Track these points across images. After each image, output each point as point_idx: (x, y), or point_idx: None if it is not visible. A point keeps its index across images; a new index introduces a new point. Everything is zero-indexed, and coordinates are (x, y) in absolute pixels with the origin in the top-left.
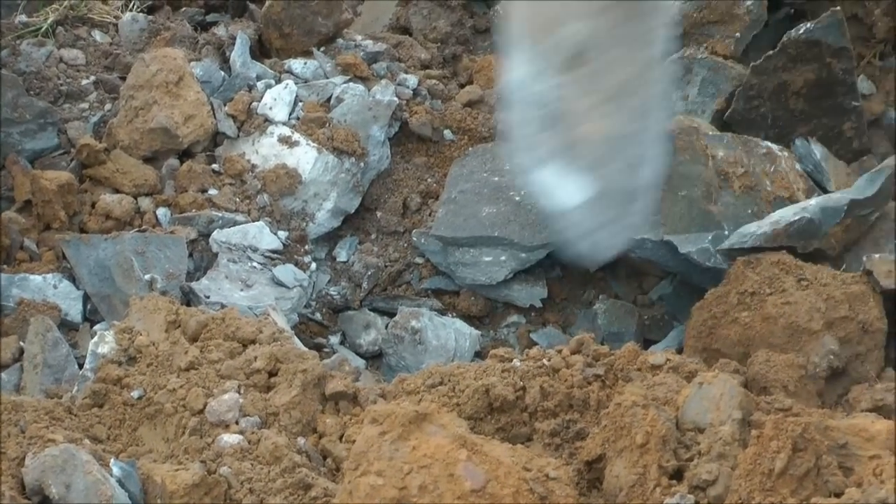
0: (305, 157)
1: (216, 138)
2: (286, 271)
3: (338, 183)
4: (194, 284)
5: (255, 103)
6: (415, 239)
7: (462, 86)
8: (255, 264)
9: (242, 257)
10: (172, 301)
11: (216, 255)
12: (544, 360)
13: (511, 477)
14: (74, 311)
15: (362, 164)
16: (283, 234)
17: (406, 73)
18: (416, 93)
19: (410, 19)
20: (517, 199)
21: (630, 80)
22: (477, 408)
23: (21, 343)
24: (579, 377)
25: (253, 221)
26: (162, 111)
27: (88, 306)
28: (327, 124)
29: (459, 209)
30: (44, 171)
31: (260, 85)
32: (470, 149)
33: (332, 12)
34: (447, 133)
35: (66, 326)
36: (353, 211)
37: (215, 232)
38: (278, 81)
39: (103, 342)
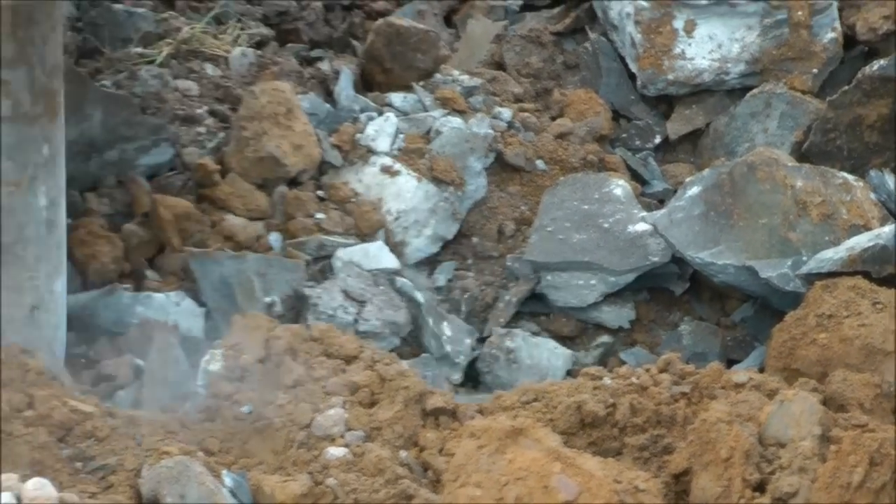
0: (406, 186)
1: (321, 167)
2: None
3: (437, 211)
4: (308, 290)
5: (358, 134)
6: (509, 264)
7: (553, 118)
8: (371, 282)
9: (362, 274)
10: (271, 319)
11: (333, 274)
12: (633, 379)
13: (603, 489)
14: (196, 327)
15: (460, 193)
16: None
17: (500, 106)
18: (510, 125)
19: (504, 55)
20: (606, 226)
21: None
22: (570, 423)
23: (139, 361)
24: (667, 395)
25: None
26: (271, 141)
27: (209, 323)
28: (427, 155)
29: (551, 235)
30: (164, 198)
31: (363, 117)
32: (561, 178)
33: (431, 49)
34: (539, 163)
35: (187, 343)
36: (451, 237)
37: (339, 250)
38: (380, 114)
39: (214, 360)
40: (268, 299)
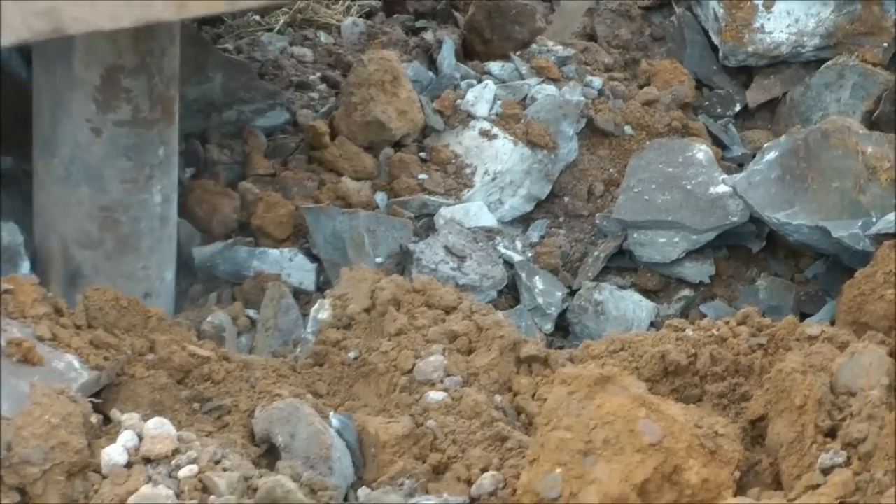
0: (503, 149)
1: (424, 131)
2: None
3: (531, 172)
4: (412, 245)
5: (459, 101)
6: (598, 222)
7: (641, 87)
8: (471, 239)
9: (462, 231)
10: (377, 272)
11: (435, 231)
12: (713, 331)
13: (685, 433)
14: (308, 281)
15: (553, 156)
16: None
17: (592, 75)
18: (600, 93)
19: (596, 28)
20: (689, 187)
21: None
22: (654, 371)
23: (250, 311)
24: (744, 346)
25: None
26: (378, 107)
27: (321, 278)
28: (522, 120)
29: (638, 196)
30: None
31: (463, 84)
32: (647, 143)
33: (528, 21)
34: (627, 129)
35: (299, 295)
36: (544, 197)
37: (442, 209)
38: (479, 82)
39: (323, 309)
40: (378, 260)
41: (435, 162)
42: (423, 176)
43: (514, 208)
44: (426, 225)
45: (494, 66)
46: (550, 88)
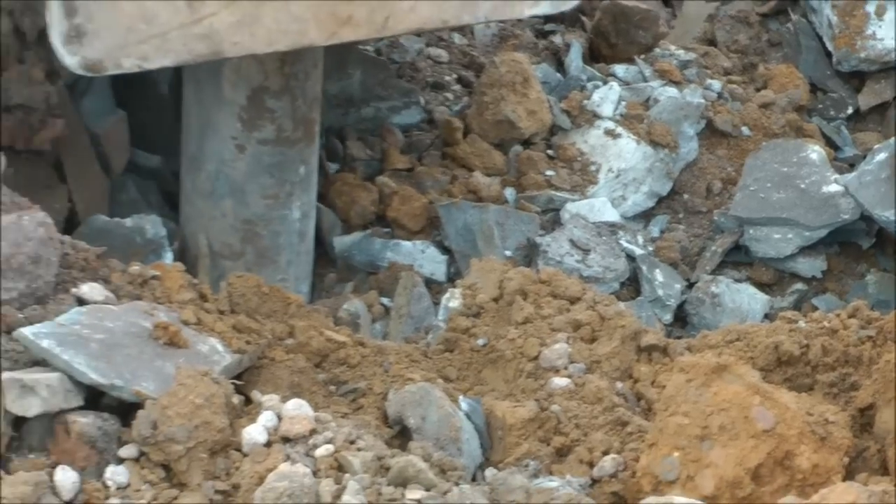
0: (627, 148)
1: (552, 129)
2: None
3: (653, 170)
4: (539, 238)
5: (585, 101)
6: (716, 218)
7: (758, 90)
8: (595, 233)
9: (587, 225)
10: (505, 264)
11: (561, 225)
12: (825, 323)
13: (797, 420)
14: (439, 272)
15: (674, 155)
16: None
17: (711, 78)
18: (719, 95)
19: (716, 33)
20: (802, 186)
21: None
22: (767, 361)
23: (384, 300)
24: (854, 337)
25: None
26: (508, 106)
27: (452, 268)
28: (645, 120)
29: (754, 194)
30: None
31: (590, 86)
32: (763, 143)
33: (651, 26)
34: (745, 130)
35: (430, 284)
36: (665, 194)
37: (567, 204)
38: (605, 83)
39: (453, 298)
40: (508, 253)
41: (562, 159)
42: (550, 172)
43: (637, 204)
44: (552, 219)
45: (619, 69)
46: (672, 91)
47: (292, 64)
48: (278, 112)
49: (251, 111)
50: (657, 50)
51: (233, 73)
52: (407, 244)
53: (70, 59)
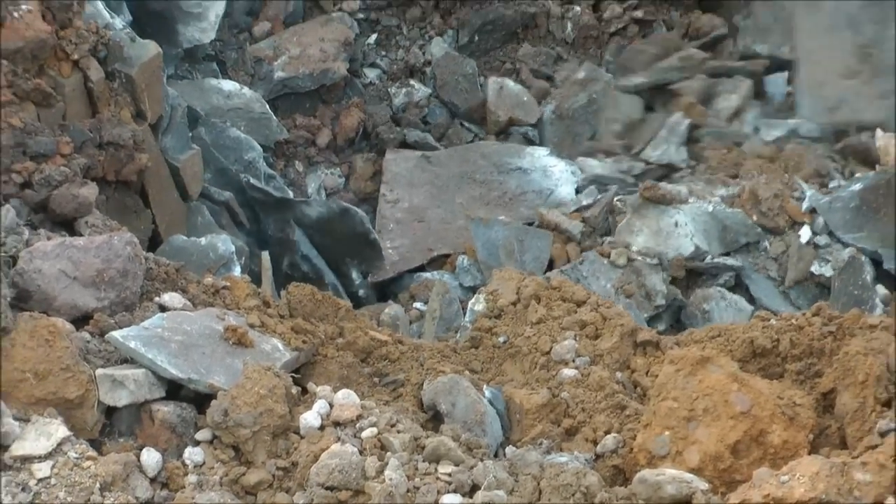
0: None
1: None
2: None
3: None
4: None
5: None
6: None
7: None
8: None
9: None
10: (521, 272)
11: None
12: (793, 321)
13: (769, 403)
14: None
15: None
16: None
17: None
18: None
19: None
20: None
21: None
22: (744, 353)
23: (419, 304)
24: (818, 333)
25: None
26: None
27: (479, 278)
28: None
29: None
30: None
31: None
32: None
33: None
34: None
35: (463, 290)
36: None
37: None
38: None
39: (478, 302)
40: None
41: None
42: None
43: None
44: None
45: None
46: None
47: None
48: None
49: None
50: None
51: None
52: None
53: None
